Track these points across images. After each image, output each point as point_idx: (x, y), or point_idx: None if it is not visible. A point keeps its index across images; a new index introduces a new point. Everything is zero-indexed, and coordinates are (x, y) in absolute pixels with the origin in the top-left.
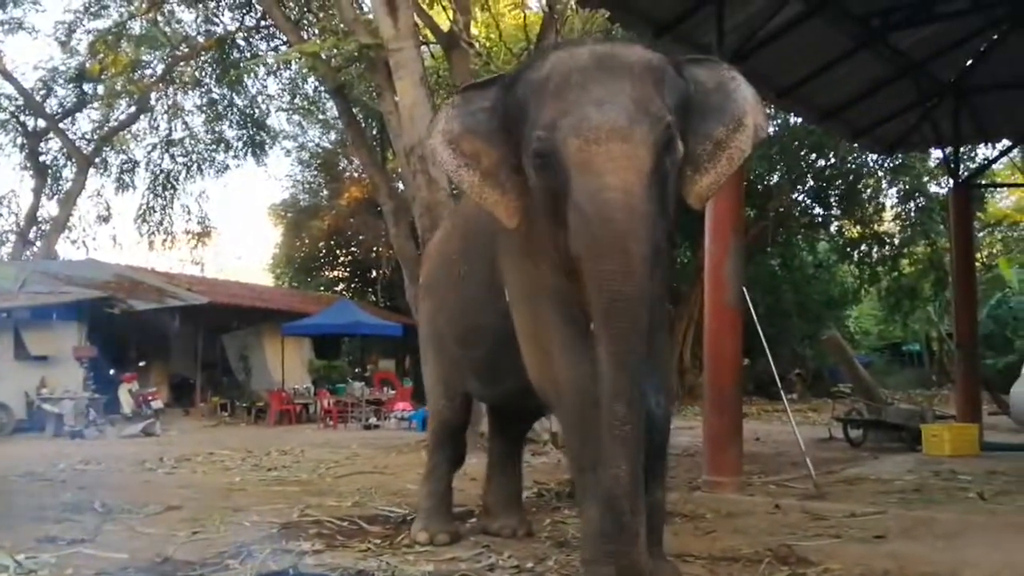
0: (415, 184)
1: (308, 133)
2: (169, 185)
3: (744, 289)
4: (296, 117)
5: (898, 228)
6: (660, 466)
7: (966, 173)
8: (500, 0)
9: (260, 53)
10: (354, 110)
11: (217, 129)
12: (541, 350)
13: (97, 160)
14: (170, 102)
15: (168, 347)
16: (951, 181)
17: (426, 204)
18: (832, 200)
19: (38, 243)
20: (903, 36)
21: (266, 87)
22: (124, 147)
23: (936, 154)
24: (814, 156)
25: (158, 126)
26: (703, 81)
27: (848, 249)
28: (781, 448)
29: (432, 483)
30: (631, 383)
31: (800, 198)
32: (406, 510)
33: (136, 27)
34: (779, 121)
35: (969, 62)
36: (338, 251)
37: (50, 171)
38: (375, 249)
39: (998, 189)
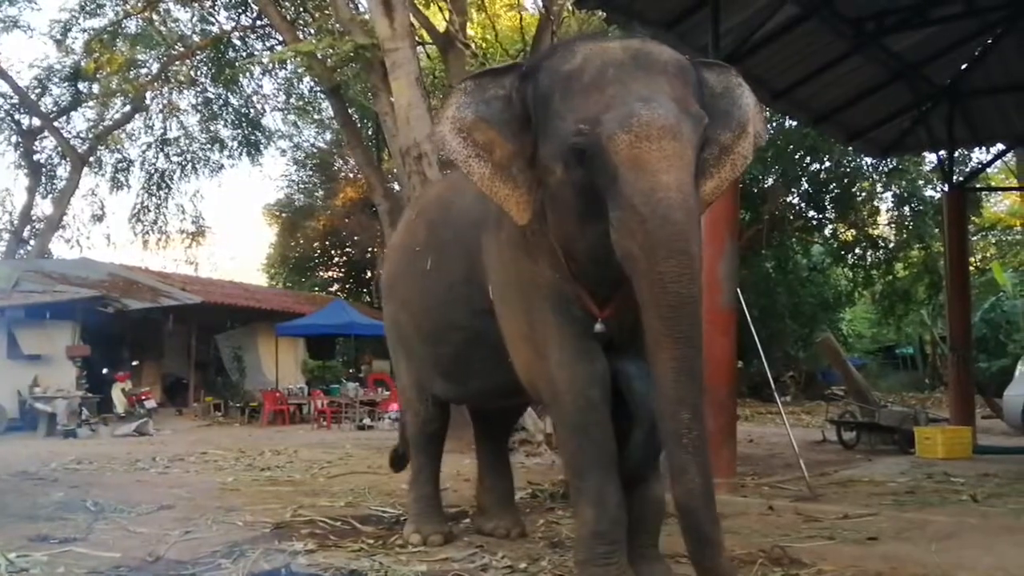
0: (410, 184)
1: (303, 133)
2: (164, 184)
3: (738, 291)
4: (291, 117)
5: (892, 231)
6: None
7: (960, 177)
8: (496, 1)
9: (256, 53)
10: (350, 110)
11: (212, 128)
12: (534, 349)
13: (92, 159)
14: (165, 101)
15: (162, 347)
16: (945, 185)
17: None
18: (826, 203)
19: (32, 242)
20: (898, 39)
21: (261, 87)
22: (119, 146)
23: (930, 158)
24: (809, 159)
25: (153, 125)
26: (712, 85)
27: (842, 252)
28: (775, 450)
29: (419, 487)
30: (697, 389)
31: (795, 201)
32: (399, 510)
33: (132, 26)
34: (774, 124)
35: (963, 66)
36: (333, 251)
37: (44, 170)
38: (370, 250)
39: (992, 193)
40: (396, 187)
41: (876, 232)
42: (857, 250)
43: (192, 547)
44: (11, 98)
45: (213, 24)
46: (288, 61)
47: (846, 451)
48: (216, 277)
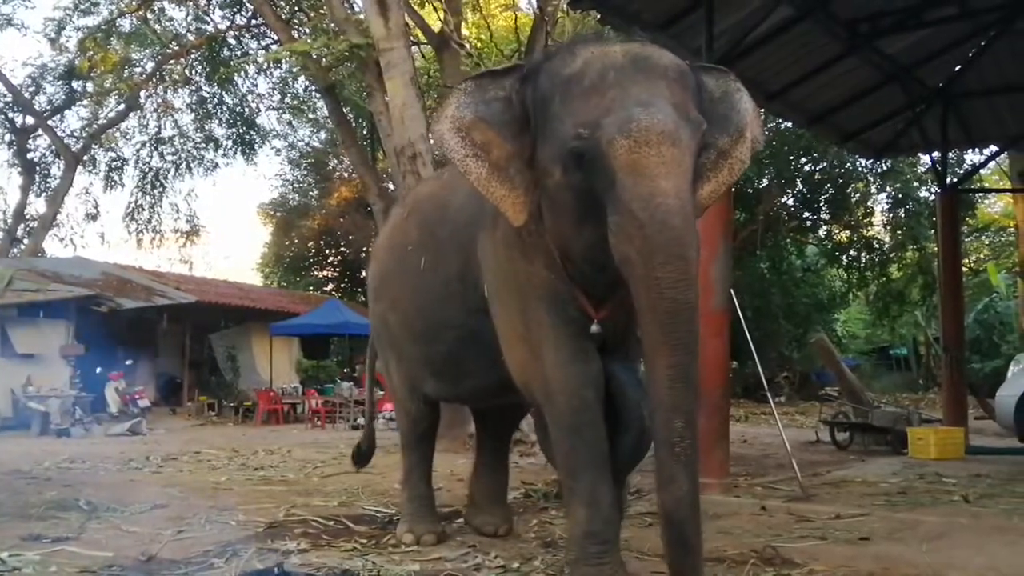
0: (405, 184)
1: (298, 132)
2: (158, 183)
3: (732, 292)
4: (286, 116)
5: (887, 232)
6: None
7: (954, 178)
8: (491, 1)
9: (250, 52)
10: (344, 110)
11: (207, 127)
12: (528, 349)
13: (85, 158)
14: (159, 100)
15: (155, 346)
16: (939, 186)
17: None
18: (821, 204)
19: (25, 240)
20: (892, 41)
21: (256, 86)
22: (113, 145)
23: (924, 159)
24: (803, 160)
25: (147, 124)
26: (711, 90)
27: (837, 253)
28: (768, 450)
29: (411, 487)
30: (692, 396)
31: (789, 202)
32: (392, 510)
33: (126, 24)
34: (769, 125)
35: (957, 68)
36: (327, 251)
37: (38, 168)
38: (365, 249)
39: (986, 194)
40: (391, 187)
41: (870, 233)
42: (851, 251)
43: (185, 546)
44: (5, 96)
45: (208, 23)
46: (283, 60)
47: (839, 452)
48: (210, 276)
